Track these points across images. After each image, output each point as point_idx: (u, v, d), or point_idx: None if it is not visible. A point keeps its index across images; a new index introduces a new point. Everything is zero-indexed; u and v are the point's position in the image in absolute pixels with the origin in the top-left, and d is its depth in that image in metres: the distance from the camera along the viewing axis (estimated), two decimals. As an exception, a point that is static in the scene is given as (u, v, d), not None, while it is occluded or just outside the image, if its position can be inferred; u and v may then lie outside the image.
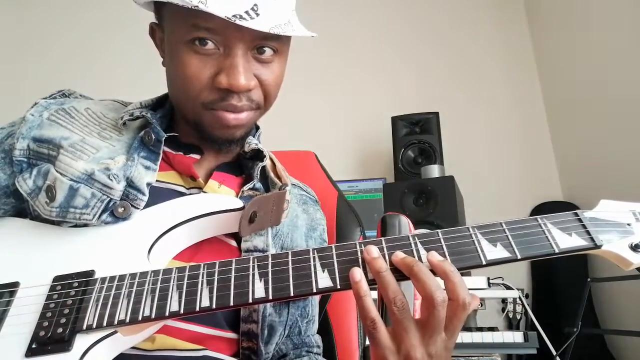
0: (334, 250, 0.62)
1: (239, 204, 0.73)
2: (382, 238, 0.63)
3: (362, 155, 2.75)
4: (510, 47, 2.87)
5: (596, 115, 2.30)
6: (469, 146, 2.66)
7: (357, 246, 0.62)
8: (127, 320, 0.59)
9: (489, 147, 2.68)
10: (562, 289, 2.27)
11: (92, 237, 0.70)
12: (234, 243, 0.77)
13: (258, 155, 0.85)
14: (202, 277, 0.62)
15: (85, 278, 0.64)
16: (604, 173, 2.19)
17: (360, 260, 0.61)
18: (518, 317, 2.21)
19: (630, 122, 2.03)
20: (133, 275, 0.63)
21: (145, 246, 0.69)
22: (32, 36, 2.92)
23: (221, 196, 0.78)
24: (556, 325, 2.06)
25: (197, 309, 0.60)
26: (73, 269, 0.66)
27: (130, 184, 0.72)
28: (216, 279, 0.62)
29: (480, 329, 1.86)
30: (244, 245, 0.76)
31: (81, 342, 0.58)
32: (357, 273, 0.58)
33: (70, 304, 0.61)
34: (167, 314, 0.60)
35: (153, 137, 0.77)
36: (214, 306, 0.60)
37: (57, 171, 0.71)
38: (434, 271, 0.58)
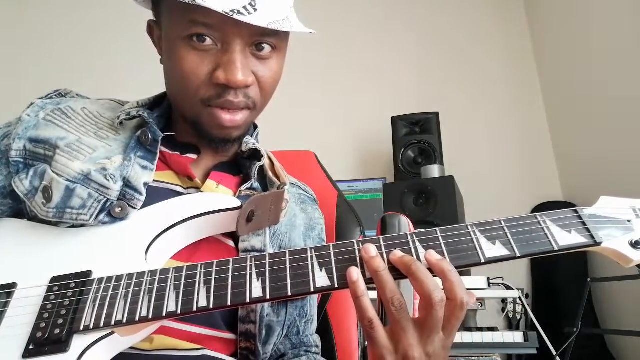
0: (331, 249, 0.62)
1: (237, 203, 0.73)
2: (381, 237, 0.63)
3: (362, 155, 2.75)
4: (510, 47, 2.87)
5: (596, 115, 2.30)
6: (469, 146, 2.66)
7: (355, 245, 0.62)
8: (124, 320, 0.59)
9: (489, 147, 2.68)
10: (562, 289, 2.27)
11: (90, 237, 0.70)
12: (231, 243, 0.77)
13: (256, 154, 0.84)
14: (200, 277, 0.62)
15: (83, 278, 0.64)
16: (604, 173, 2.19)
17: (358, 259, 0.60)
18: (518, 317, 2.21)
19: (630, 122, 2.03)
20: (130, 276, 0.63)
21: (142, 246, 0.68)
22: (32, 35, 2.91)
23: (219, 195, 0.77)
24: (556, 325, 2.06)
25: (195, 309, 0.59)
26: (70, 269, 0.65)
27: (127, 184, 0.72)
28: (213, 279, 0.61)
29: (480, 329, 1.86)
30: (241, 246, 0.76)
31: (78, 342, 0.58)
32: (354, 273, 0.58)
33: (68, 304, 0.61)
34: (164, 314, 0.59)
35: (150, 136, 0.76)
36: (211, 306, 0.59)
37: (53, 172, 0.71)
38: (432, 270, 0.57)
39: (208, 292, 0.60)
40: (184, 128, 0.82)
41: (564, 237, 0.62)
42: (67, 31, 2.92)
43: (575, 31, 2.49)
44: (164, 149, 0.80)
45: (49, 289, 0.63)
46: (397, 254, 0.59)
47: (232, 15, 0.66)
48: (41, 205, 0.71)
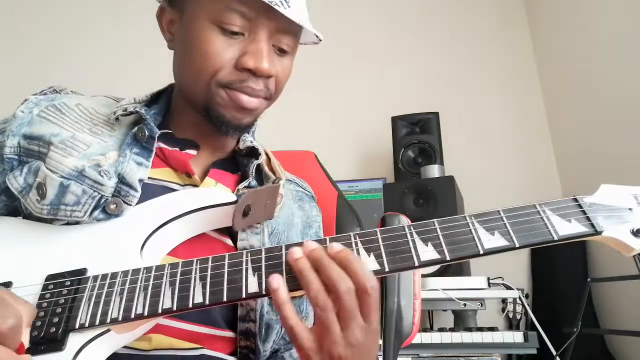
0: (327, 242, 0.61)
1: (232, 197, 0.73)
2: (352, 233, 0.62)
3: (362, 155, 2.74)
4: (510, 47, 2.86)
5: (596, 115, 2.30)
6: (469, 146, 2.65)
7: (352, 237, 0.62)
8: (120, 318, 0.59)
9: (489, 147, 2.68)
10: (562, 289, 2.27)
11: (84, 234, 0.70)
12: (229, 241, 0.77)
13: (253, 152, 0.85)
14: (195, 273, 0.61)
15: (78, 276, 0.63)
16: (604, 173, 2.19)
17: (355, 252, 0.60)
18: (518, 317, 2.21)
19: (630, 122, 2.03)
20: (125, 273, 0.63)
21: (137, 243, 0.68)
22: (31, 32, 2.91)
23: (214, 190, 0.77)
24: (556, 325, 2.06)
25: (190, 305, 0.59)
26: (65, 267, 0.65)
27: (121, 180, 0.72)
28: (209, 275, 0.61)
29: (480, 329, 1.86)
30: (240, 244, 0.76)
31: (74, 341, 0.58)
32: (275, 280, 0.58)
33: (63, 302, 0.61)
34: (159, 311, 0.59)
35: (146, 133, 0.76)
36: (207, 302, 0.59)
37: (47, 168, 0.71)
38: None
39: (204, 287, 0.60)
40: (184, 122, 0.82)
41: (564, 227, 0.61)
42: (66, 28, 2.92)
43: (576, 31, 2.49)
44: (162, 145, 0.80)
45: (45, 288, 0.63)
46: (308, 246, 0.59)
47: (273, 5, 0.70)
48: (35, 202, 0.70)
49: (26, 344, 0.57)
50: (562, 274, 2.29)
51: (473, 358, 1.77)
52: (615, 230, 0.61)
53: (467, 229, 0.61)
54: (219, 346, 0.72)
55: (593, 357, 2.08)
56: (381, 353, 0.71)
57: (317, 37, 0.80)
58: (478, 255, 0.60)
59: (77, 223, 0.70)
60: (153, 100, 0.86)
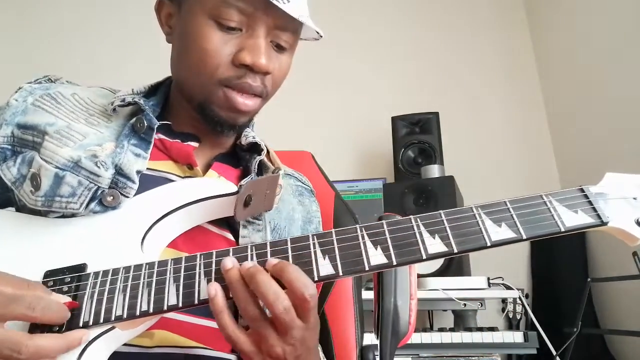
0: (334, 235, 0.61)
1: (234, 188, 0.71)
2: (358, 226, 0.62)
3: (362, 155, 2.74)
4: (510, 46, 2.87)
5: (597, 115, 2.30)
6: (469, 146, 2.65)
7: (359, 230, 0.61)
8: (125, 315, 0.58)
9: (489, 147, 2.68)
10: (562, 289, 2.26)
11: (82, 228, 0.68)
12: (229, 236, 0.76)
13: (255, 148, 0.84)
14: (200, 269, 0.60)
15: (78, 272, 0.62)
16: (604, 173, 2.19)
17: (361, 245, 0.60)
18: (518, 317, 2.20)
19: (630, 122, 2.03)
20: (127, 269, 0.61)
21: (138, 236, 0.67)
22: (31, 25, 2.92)
23: (214, 180, 0.77)
24: (556, 325, 2.06)
25: (196, 301, 0.58)
26: (64, 262, 0.63)
27: (119, 171, 0.70)
28: (214, 270, 0.60)
29: (480, 329, 1.86)
30: (242, 242, 0.75)
31: None
32: (212, 288, 0.57)
33: None
34: (165, 307, 0.58)
35: (145, 124, 0.74)
36: None
37: (42, 158, 0.69)
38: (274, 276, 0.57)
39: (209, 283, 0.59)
40: (182, 116, 0.81)
41: (571, 218, 0.60)
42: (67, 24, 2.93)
43: (576, 31, 2.49)
44: (162, 136, 0.79)
45: (44, 284, 0.61)
46: (245, 265, 0.58)
47: (272, 0, 0.69)
48: (29, 194, 0.68)
49: None
50: (562, 274, 2.29)
51: (473, 358, 1.77)
52: (620, 221, 0.60)
53: (474, 221, 0.60)
54: (220, 342, 0.71)
55: (593, 357, 2.08)
56: (378, 353, 0.72)
57: (317, 33, 0.79)
58: (485, 247, 0.59)
59: (72, 215, 0.68)
60: (151, 92, 0.84)
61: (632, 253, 1.72)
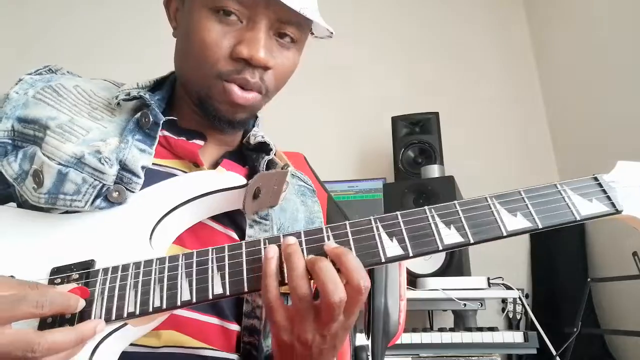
0: (348, 227, 0.60)
1: (243, 180, 0.70)
2: (372, 217, 0.61)
3: (362, 155, 2.74)
4: (510, 46, 2.86)
5: (597, 115, 2.30)
6: (469, 146, 2.65)
7: (373, 222, 0.60)
8: (137, 312, 0.57)
9: (489, 147, 2.68)
10: (562, 289, 2.26)
11: (89, 223, 0.66)
12: (234, 235, 0.75)
13: (263, 147, 0.82)
14: (212, 263, 0.59)
15: (86, 269, 0.61)
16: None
17: (376, 237, 0.59)
18: (518, 317, 2.20)
19: (630, 123, 2.03)
20: (137, 265, 0.60)
21: (146, 231, 0.65)
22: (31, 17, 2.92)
23: (223, 173, 0.75)
24: (556, 325, 2.06)
25: (210, 296, 0.57)
26: (71, 259, 0.62)
27: (123, 167, 0.68)
28: (227, 264, 0.59)
29: (480, 329, 1.86)
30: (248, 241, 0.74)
31: None
32: (272, 250, 0.57)
33: None
34: (179, 303, 0.57)
35: (151, 119, 0.72)
36: (227, 293, 0.58)
37: (44, 154, 0.67)
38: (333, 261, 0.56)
39: (223, 278, 0.58)
40: (188, 112, 0.79)
41: (586, 207, 0.60)
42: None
43: (576, 30, 2.48)
44: (167, 133, 0.77)
45: (51, 282, 0.60)
46: (310, 256, 0.57)
47: None
48: (32, 190, 0.66)
49: None
50: (562, 274, 2.29)
51: (473, 358, 1.77)
52: (634, 208, 0.61)
53: (489, 211, 0.60)
54: (225, 341, 0.71)
55: (593, 357, 2.08)
56: (370, 353, 0.72)
57: (328, 30, 0.77)
58: (501, 237, 0.58)
59: (76, 211, 0.67)
60: (156, 87, 0.82)
61: (632, 253, 1.72)
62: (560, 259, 2.31)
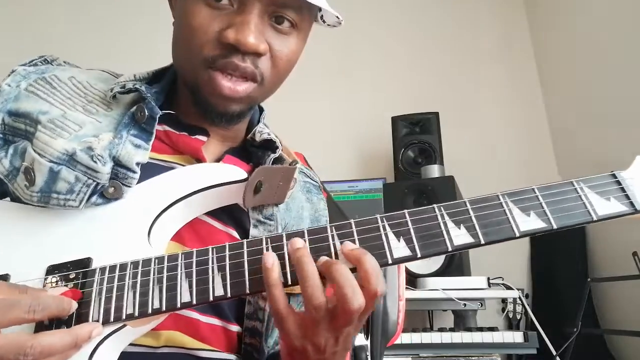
0: (354, 226, 0.57)
1: (243, 175, 0.67)
2: (378, 216, 0.58)
3: (362, 155, 2.74)
4: (510, 46, 2.86)
5: (596, 115, 2.30)
6: (469, 146, 2.65)
7: (379, 221, 0.57)
8: (136, 314, 0.55)
9: (489, 147, 2.68)
10: (562, 289, 2.26)
11: (85, 219, 0.64)
12: (235, 233, 0.73)
13: (269, 145, 0.79)
14: (213, 263, 0.57)
15: (82, 267, 0.59)
16: (603, 172, 2.19)
17: (383, 237, 0.56)
18: (518, 317, 2.21)
19: (630, 122, 2.03)
20: (135, 264, 0.58)
21: (144, 227, 0.63)
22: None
23: (223, 166, 0.71)
24: (556, 325, 2.06)
25: (211, 298, 0.55)
26: (67, 257, 0.60)
27: (117, 163, 0.65)
28: (228, 265, 0.57)
29: (480, 329, 1.86)
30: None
31: None
32: (270, 259, 0.54)
33: None
34: (179, 305, 0.55)
35: (146, 113, 0.68)
36: (229, 294, 0.56)
37: (34, 151, 0.63)
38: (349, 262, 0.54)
39: (224, 279, 0.56)
40: (188, 106, 0.74)
41: (603, 206, 0.57)
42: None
43: (576, 30, 2.49)
44: (168, 128, 0.73)
45: (47, 281, 0.58)
46: (323, 259, 0.55)
47: None
48: (24, 188, 0.63)
49: None
50: (562, 274, 2.29)
51: (473, 358, 1.77)
52: None
53: (501, 210, 0.57)
54: (225, 341, 0.70)
55: (593, 357, 2.08)
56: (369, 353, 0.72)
57: (338, 17, 0.72)
58: (514, 238, 0.56)
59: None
60: (155, 79, 0.77)
61: (632, 253, 1.72)
62: (560, 258, 2.31)
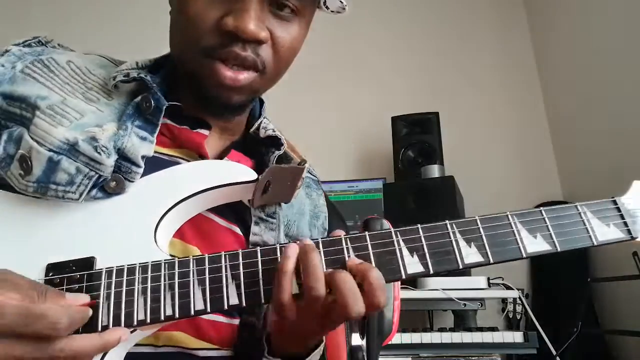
0: (368, 240, 0.58)
1: (254, 175, 0.65)
2: (392, 230, 0.59)
3: (362, 155, 2.74)
4: (510, 47, 2.86)
5: (596, 115, 2.30)
6: (469, 146, 2.65)
7: (394, 235, 0.58)
8: (148, 320, 0.54)
9: (489, 147, 2.68)
10: (562, 288, 2.26)
11: (86, 214, 0.60)
12: (237, 230, 0.71)
13: (273, 141, 0.77)
14: (227, 271, 0.56)
15: (86, 267, 0.56)
16: (604, 173, 2.19)
17: (397, 252, 0.57)
18: (518, 317, 2.20)
19: (630, 122, 2.03)
20: (144, 268, 0.56)
21: (151, 225, 0.60)
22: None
23: (232, 165, 0.69)
24: (556, 325, 2.06)
25: (226, 307, 0.55)
26: (68, 255, 0.57)
27: (122, 156, 0.62)
28: (242, 273, 0.56)
29: (480, 329, 1.86)
30: (252, 239, 0.70)
31: None
32: (292, 250, 0.55)
33: None
34: (192, 313, 0.55)
35: (153, 104, 0.65)
36: (243, 304, 0.55)
37: (32, 138, 0.59)
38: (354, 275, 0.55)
39: (238, 288, 0.55)
40: (188, 97, 0.71)
41: (604, 232, 0.61)
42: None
43: (576, 31, 2.48)
44: (169, 121, 0.70)
45: (48, 282, 0.55)
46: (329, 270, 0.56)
47: None
48: (18, 177, 0.59)
49: None
50: (562, 274, 2.28)
51: (473, 358, 1.77)
52: None
53: (510, 230, 0.59)
54: (228, 337, 0.69)
55: (593, 357, 2.08)
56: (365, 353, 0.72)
57: (341, 2, 0.70)
58: (520, 258, 0.59)
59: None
60: (157, 65, 0.74)
61: (632, 253, 1.72)
62: (560, 259, 2.30)
